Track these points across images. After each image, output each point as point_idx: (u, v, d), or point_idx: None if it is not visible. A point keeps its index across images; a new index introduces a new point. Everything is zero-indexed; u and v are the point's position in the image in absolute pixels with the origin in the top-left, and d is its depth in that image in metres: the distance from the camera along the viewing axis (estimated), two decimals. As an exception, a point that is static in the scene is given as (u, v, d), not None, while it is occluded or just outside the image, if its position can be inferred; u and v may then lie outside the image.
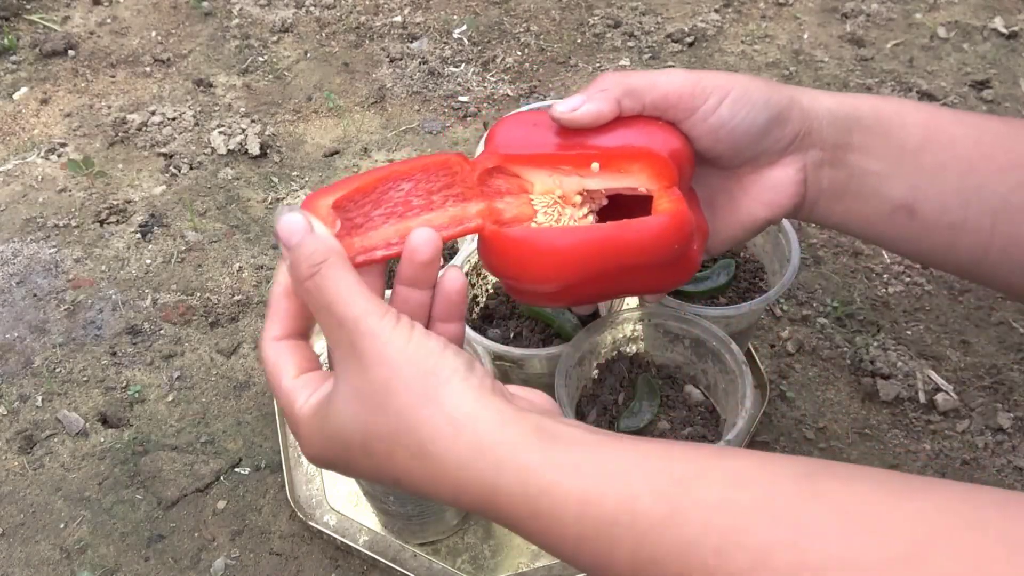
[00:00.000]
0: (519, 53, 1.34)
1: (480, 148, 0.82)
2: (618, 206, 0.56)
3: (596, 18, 1.40)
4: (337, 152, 1.19)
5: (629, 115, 0.55)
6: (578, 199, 0.55)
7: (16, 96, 1.29)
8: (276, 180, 1.15)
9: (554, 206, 0.55)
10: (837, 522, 0.36)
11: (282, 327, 0.48)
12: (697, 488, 0.39)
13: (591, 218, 0.56)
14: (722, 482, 0.39)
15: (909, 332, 0.95)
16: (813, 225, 1.06)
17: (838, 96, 0.59)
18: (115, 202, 1.12)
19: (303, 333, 0.49)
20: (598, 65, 1.32)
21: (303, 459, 0.85)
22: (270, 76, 1.32)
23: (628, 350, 0.76)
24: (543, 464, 0.41)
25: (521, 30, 1.38)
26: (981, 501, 0.35)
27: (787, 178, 0.58)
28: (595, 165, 0.54)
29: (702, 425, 0.71)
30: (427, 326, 0.50)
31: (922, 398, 0.88)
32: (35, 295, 1.01)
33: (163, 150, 1.19)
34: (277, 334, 0.48)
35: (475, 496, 0.42)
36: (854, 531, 0.35)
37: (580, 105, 0.54)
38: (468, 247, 0.78)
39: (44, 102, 1.28)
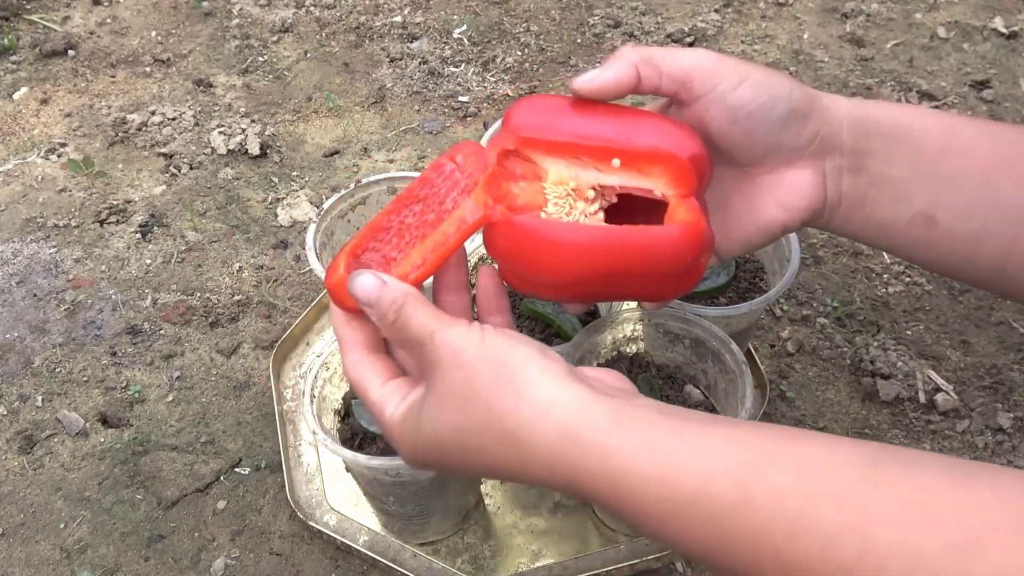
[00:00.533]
0: (519, 53, 1.34)
1: (486, 140, 0.81)
2: (626, 207, 0.55)
3: (596, 18, 1.40)
4: (337, 152, 1.19)
5: (650, 88, 0.55)
6: (591, 193, 0.54)
7: (16, 96, 1.29)
8: (276, 180, 1.15)
9: (566, 198, 0.55)
10: (900, 509, 0.37)
11: (356, 346, 0.53)
12: (768, 473, 0.41)
13: (601, 215, 0.55)
14: (792, 468, 0.41)
15: (909, 332, 0.95)
16: (813, 225, 1.06)
17: (856, 102, 0.58)
18: (115, 202, 1.12)
19: (378, 347, 0.53)
20: (598, 65, 1.31)
21: (303, 459, 0.85)
22: (270, 76, 1.32)
23: (628, 350, 0.76)
24: (623, 446, 0.43)
25: (521, 30, 1.38)
26: None
27: (805, 181, 0.57)
28: (616, 161, 0.53)
29: (702, 425, 0.71)
30: None
31: (922, 398, 0.88)
32: (35, 295, 1.01)
33: (163, 150, 1.19)
34: (355, 355, 0.52)
35: (562, 477, 0.45)
36: (916, 519, 0.37)
37: (598, 75, 0.54)
38: (467, 246, 0.78)
39: (44, 102, 1.28)
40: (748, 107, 0.54)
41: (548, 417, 0.45)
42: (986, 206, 0.56)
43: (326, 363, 0.72)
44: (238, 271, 1.04)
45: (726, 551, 0.41)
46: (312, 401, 0.70)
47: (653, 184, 0.53)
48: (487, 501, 0.81)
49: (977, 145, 0.57)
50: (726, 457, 0.42)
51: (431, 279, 0.54)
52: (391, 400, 0.50)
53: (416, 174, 0.86)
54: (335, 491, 0.82)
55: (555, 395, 0.45)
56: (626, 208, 0.55)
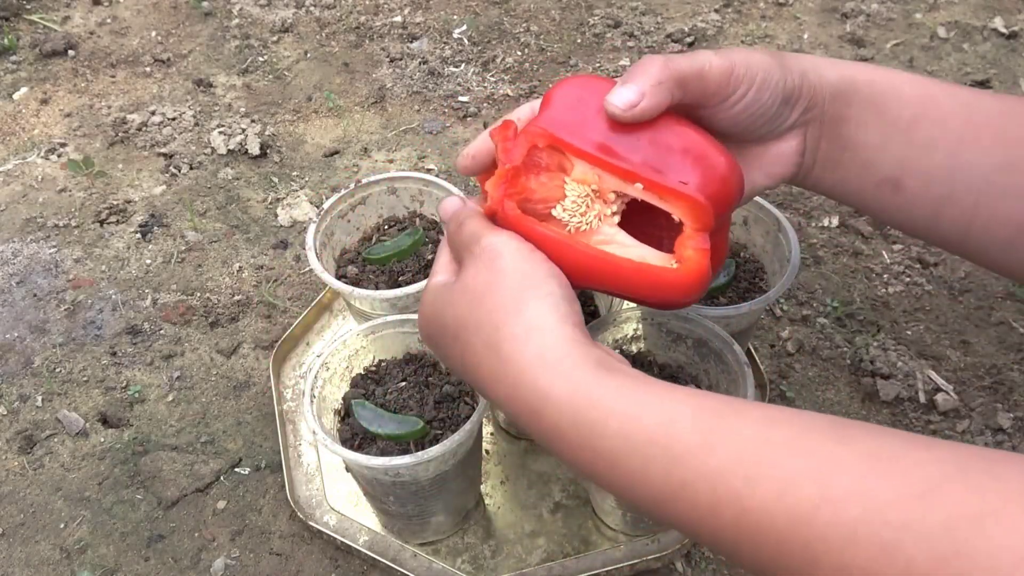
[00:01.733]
0: (519, 53, 1.34)
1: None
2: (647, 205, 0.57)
3: (596, 18, 1.40)
4: (337, 152, 1.19)
5: (674, 103, 0.55)
6: (612, 196, 0.55)
7: (16, 96, 1.29)
8: (276, 180, 1.15)
9: (584, 198, 0.56)
10: (860, 462, 0.38)
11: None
12: (734, 422, 0.41)
13: (617, 218, 0.56)
14: (758, 421, 0.41)
15: (909, 332, 0.94)
16: (813, 225, 1.06)
17: (839, 66, 0.59)
18: (115, 202, 1.12)
19: None
20: (598, 65, 1.32)
21: (303, 459, 0.85)
22: (270, 76, 1.32)
23: (630, 349, 0.76)
24: (593, 383, 0.45)
25: (521, 30, 1.38)
26: (998, 456, 0.37)
27: (789, 150, 0.60)
28: (639, 185, 0.54)
29: (702, 425, 0.71)
30: None
31: (922, 398, 0.88)
32: (35, 295, 1.01)
33: (163, 150, 1.19)
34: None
35: (526, 400, 0.47)
36: (876, 470, 0.37)
37: (638, 102, 0.53)
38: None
39: (44, 102, 1.28)
40: (751, 109, 0.57)
41: (533, 343, 0.47)
42: (952, 173, 0.57)
43: (326, 363, 0.72)
44: (238, 271, 1.04)
45: (683, 495, 0.41)
46: (312, 401, 0.70)
47: (671, 210, 0.55)
48: (487, 501, 0.81)
49: (950, 113, 0.58)
50: (691, 405, 0.43)
51: None
52: (440, 274, 0.55)
53: (417, 174, 0.86)
54: (335, 491, 0.82)
55: (550, 328, 0.48)
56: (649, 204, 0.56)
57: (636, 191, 0.55)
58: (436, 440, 0.69)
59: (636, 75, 0.54)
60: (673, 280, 0.54)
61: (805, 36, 1.35)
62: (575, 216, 0.56)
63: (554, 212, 0.56)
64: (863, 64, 0.62)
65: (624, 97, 0.53)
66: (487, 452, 0.85)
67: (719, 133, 0.58)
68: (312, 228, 0.81)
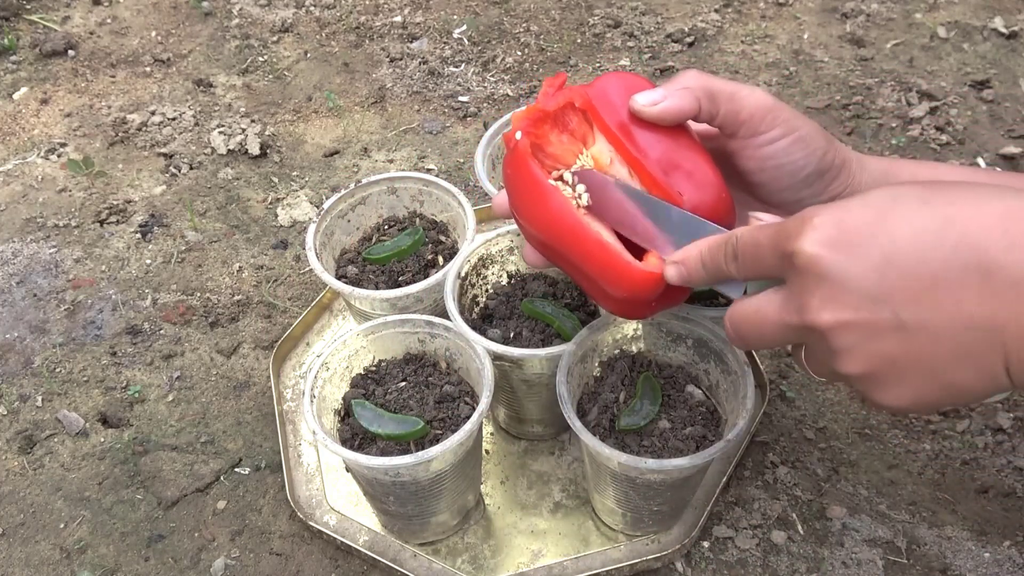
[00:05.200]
0: (519, 53, 1.34)
1: (479, 152, 0.83)
2: None
3: (596, 18, 1.40)
4: (337, 152, 1.19)
5: (703, 120, 0.56)
6: None
7: (16, 96, 1.29)
8: (276, 180, 1.15)
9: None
10: None
11: None
12: None
13: None
14: None
15: (909, 332, 0.94)
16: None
17: (884, 162, 0.60)
18: (115, 202, 1.12)
19: None
20: (598, 65, 1.32)
21: (303, 459, 0.85)
22: (270, 76, 1.32)
23: (630, 349, 0.76)
24: None
25: (521, 30, 1.38)
26: None
27: None
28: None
29: (703, 425, 0.71)
30: None
31: (922, 398, 0.88)
32: (35, 295, 1.01)
33: (163, 150, 1.19)
34: None
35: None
36: None
37: (661, 100, 0.55)
38: (467, 248, 0.78)
39: (44, 102, 1.28)
40: (779, 159, 0.57)
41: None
42: None
43: (326, 363, 0.72)
44: (238, 271, 1.04)
45: None
46: (312, 401, 0.70)
47: None
48: (487, 501, 0.81)
49: None
50: None
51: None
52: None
53: (417, 174, 0.86)
54: (335, 491, 0.82)
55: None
56: None
57: (637, 184, 0.57)
58: (436, 440, 0.69)
59: (669, 82, 0.56)
60: (628, 271, 0.55)
61: (805, 36, 1.35)
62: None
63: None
64: (902, 160, 0.63)
65: (650, 95, 0.55)
66: (487, 452, 0.85)
67: (743, 174, 0.59)
68: (312, 228, 0.81)
